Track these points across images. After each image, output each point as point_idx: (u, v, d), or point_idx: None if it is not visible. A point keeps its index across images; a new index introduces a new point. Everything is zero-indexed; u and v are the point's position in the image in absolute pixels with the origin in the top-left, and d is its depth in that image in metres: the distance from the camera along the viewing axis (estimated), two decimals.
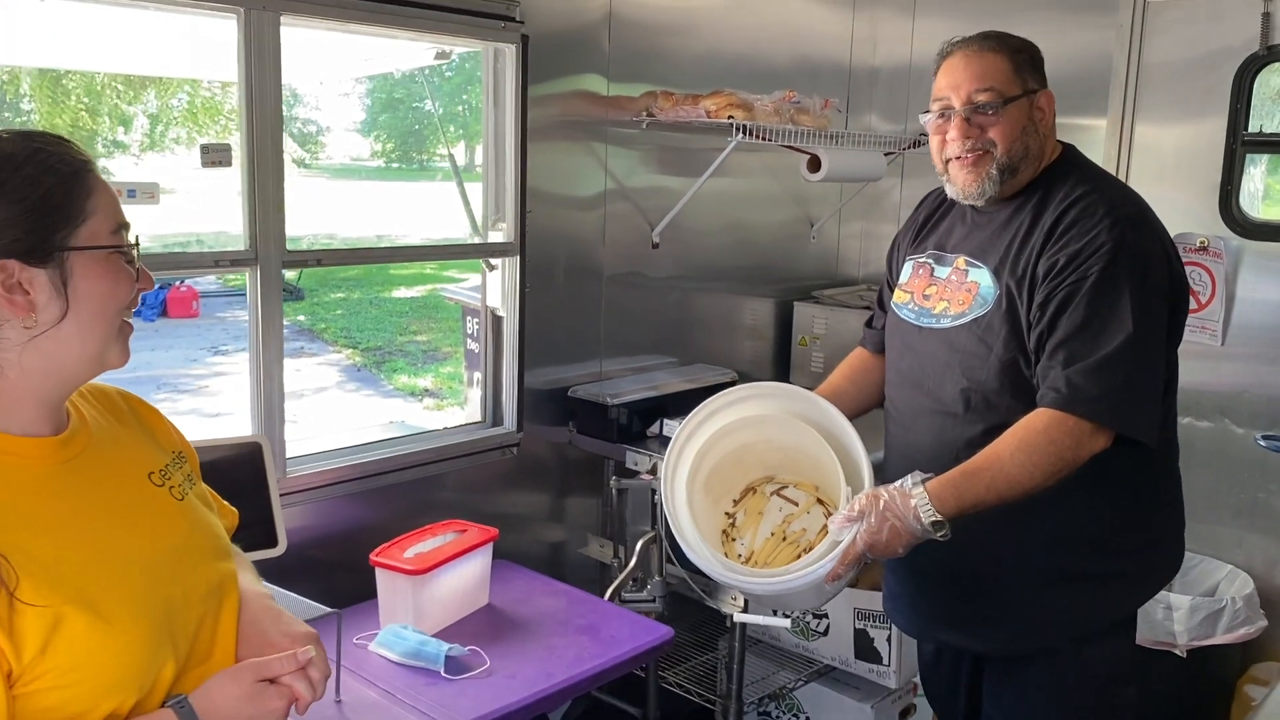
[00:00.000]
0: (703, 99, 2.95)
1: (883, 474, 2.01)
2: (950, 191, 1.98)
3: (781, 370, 3.71)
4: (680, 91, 3.04)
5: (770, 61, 3.42)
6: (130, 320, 1.16)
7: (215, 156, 2.11)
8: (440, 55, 2.72)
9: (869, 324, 2.30)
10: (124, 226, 1.14)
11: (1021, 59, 1.91)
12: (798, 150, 3.17)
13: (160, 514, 1.22)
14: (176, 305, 13.02)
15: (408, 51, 2.70)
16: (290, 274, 4.22)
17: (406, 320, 12.66)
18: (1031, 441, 1.74)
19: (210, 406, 9.36)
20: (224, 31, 2.19)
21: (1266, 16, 3.04)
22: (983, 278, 1.93)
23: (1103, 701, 2.00)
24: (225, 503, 1.45)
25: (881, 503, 1.73)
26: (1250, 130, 3.12)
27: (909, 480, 1.75)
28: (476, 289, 4.92)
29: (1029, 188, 1.94)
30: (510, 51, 2.66)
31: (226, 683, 1.16)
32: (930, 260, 2.05)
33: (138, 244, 1.16)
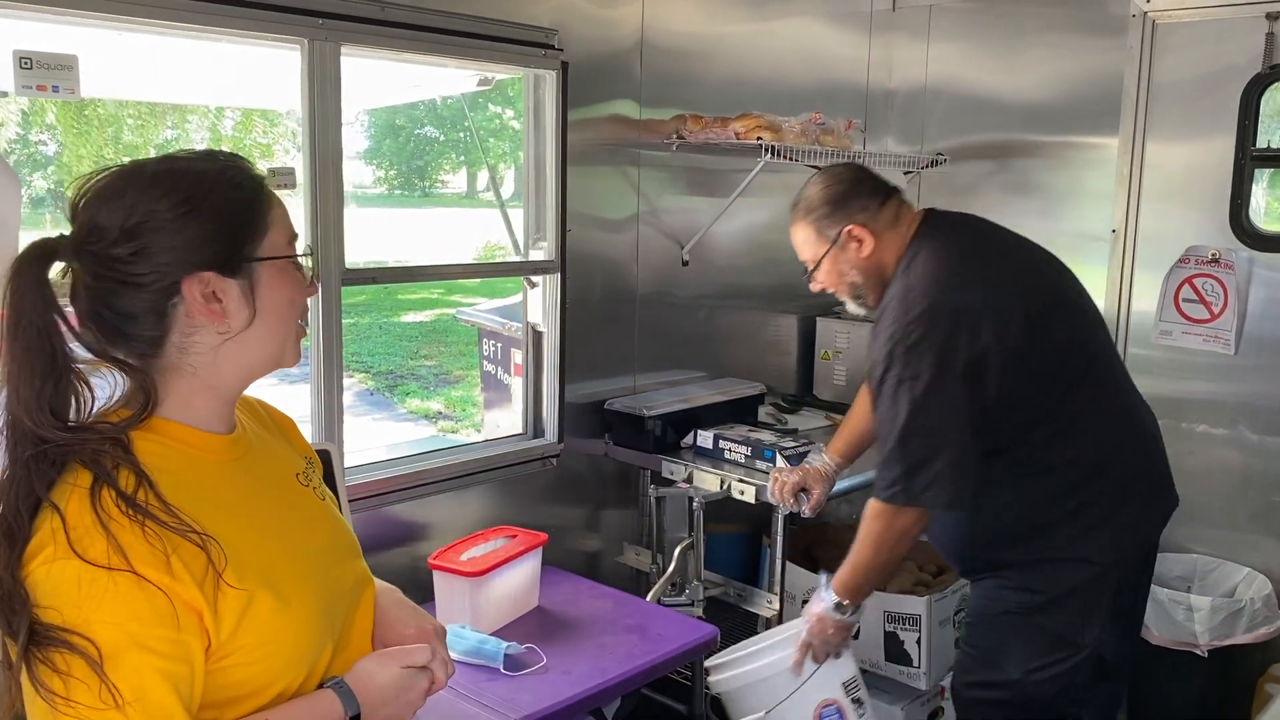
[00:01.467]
0: (731, 121, 3.07)
1: None
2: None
3: (806, 383, 3.81)
4: (708, 115, 3.16)
5: (792, 84, 3.55)
6: (305, 324, 1.25)
7: (280, 180, 2.22)
8: (483, 82, 2.84)
9: None
10: (295, 238, 1.22)
11: (818, 215, 2.25)
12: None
13: (311, 511, 1.30)
14: None
15: (451, 79, 2.82)
16: None
17: (416, 344, 12.75)
18: (865, 529, 2.18)
19: None
20: (265, 60, 2.29)
21: (1270, 37, 3.16)
22: None
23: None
24: None
25: (811, 609, 2.25)
26: (1258, 146, 3.23)
27: (821, 579, 2.27)
28: (493, 312, 5.03)
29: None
30: (551, 78, 2.78)
31: (376, 667, 1.24)
32: None
33: (310, 253, 1.25)
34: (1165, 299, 3.35)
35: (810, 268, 2.29)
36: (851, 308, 2.38)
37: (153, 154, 1.28)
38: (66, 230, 1.14)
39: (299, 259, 1.22)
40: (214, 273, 1.13)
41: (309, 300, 1.26)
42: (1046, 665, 2.20)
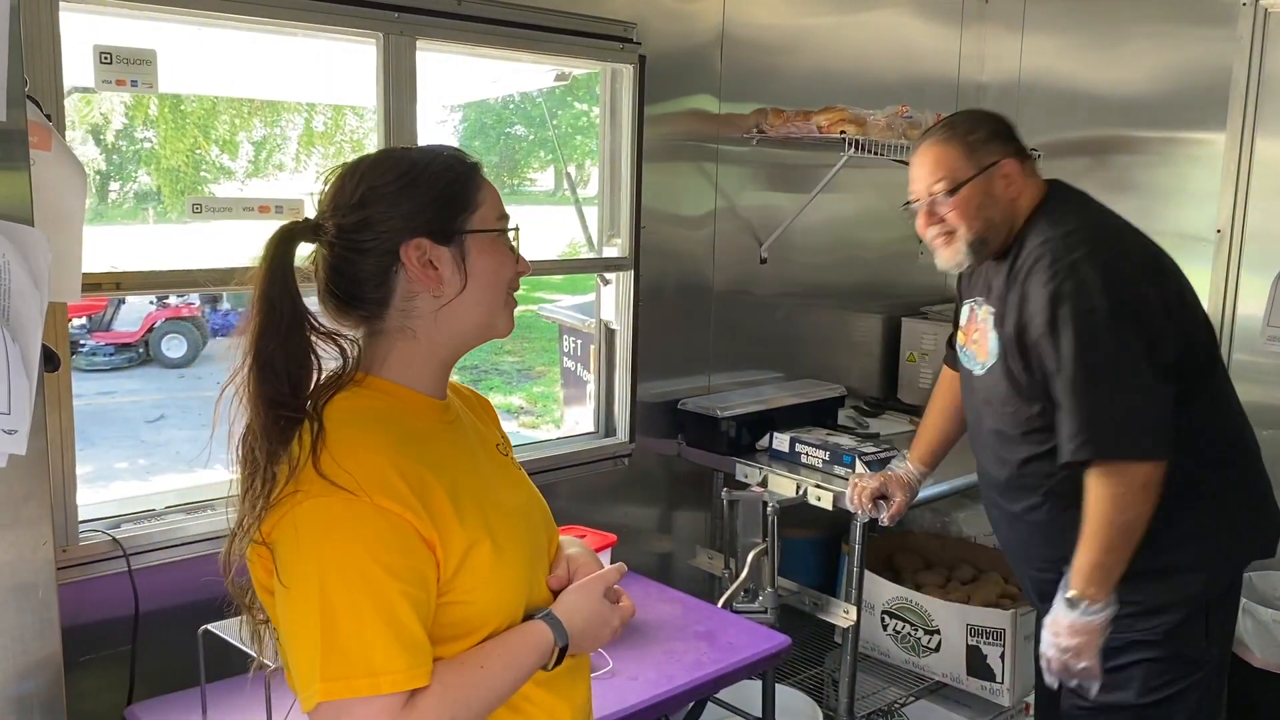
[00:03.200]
0: (814, 115, 2.99)
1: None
2: (939, 265, 2.19)
3: (889, 385, 3.70)
4: (790, 109, 3.08)
5: (879, 78, 3.45)
6: (514, 296, 1.33)
7: None
8: (560, 77, 2.81)
9: (950, 343, 2.45)
10: (505, 217, 1.31)
11: (976, 140, 2.09)
12: (908, 165, 3.17)
13: (512, 475, 1.40)
14: None
15: (530, 74, 2.80)
16: None
17: (500, 339, 12.87)
18: (1088, 501, 1.93)
19: None
20: (350, 56, 2.30)
21: None
22: (991, 328, 2.11)
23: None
24: None
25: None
26: None
27: (1059, 593, 1.99)
28: (574, 308, 5.03)
29: (1017, 240, 2.09)
30: (628, 72, 2.73)
31: (580, 597, 1.31)
32: (972, 303, 2.21)
33: (518, 230, 1.32)
34: (1274, 303, 3.17)
35: (944, 190, 2.07)
36: (951, 256, 2.13)
37: (248, 149, 1.37)
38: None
39: (508, 234, 1.31)
40: (429, 240, 1.24)
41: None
42: (1168, 684, 2.06)
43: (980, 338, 2.15)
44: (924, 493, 2.72)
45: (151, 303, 11.19)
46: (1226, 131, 3.27)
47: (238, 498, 1.18)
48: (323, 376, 1.24)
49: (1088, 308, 1.90)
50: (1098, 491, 1.92)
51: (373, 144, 2.43)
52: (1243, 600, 3.04)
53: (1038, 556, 2.16)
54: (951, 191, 2.06)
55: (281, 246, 1.22)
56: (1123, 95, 3.50)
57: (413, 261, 1.23)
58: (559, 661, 1.27)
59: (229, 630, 1.94)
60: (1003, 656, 2.87)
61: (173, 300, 11.44)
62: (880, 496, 2.52)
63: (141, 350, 11.80)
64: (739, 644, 2.31)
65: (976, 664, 2.92)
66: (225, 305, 13.80)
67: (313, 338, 1.22)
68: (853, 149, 2.89)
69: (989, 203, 2.07)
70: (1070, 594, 1.95)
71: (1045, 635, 2.01)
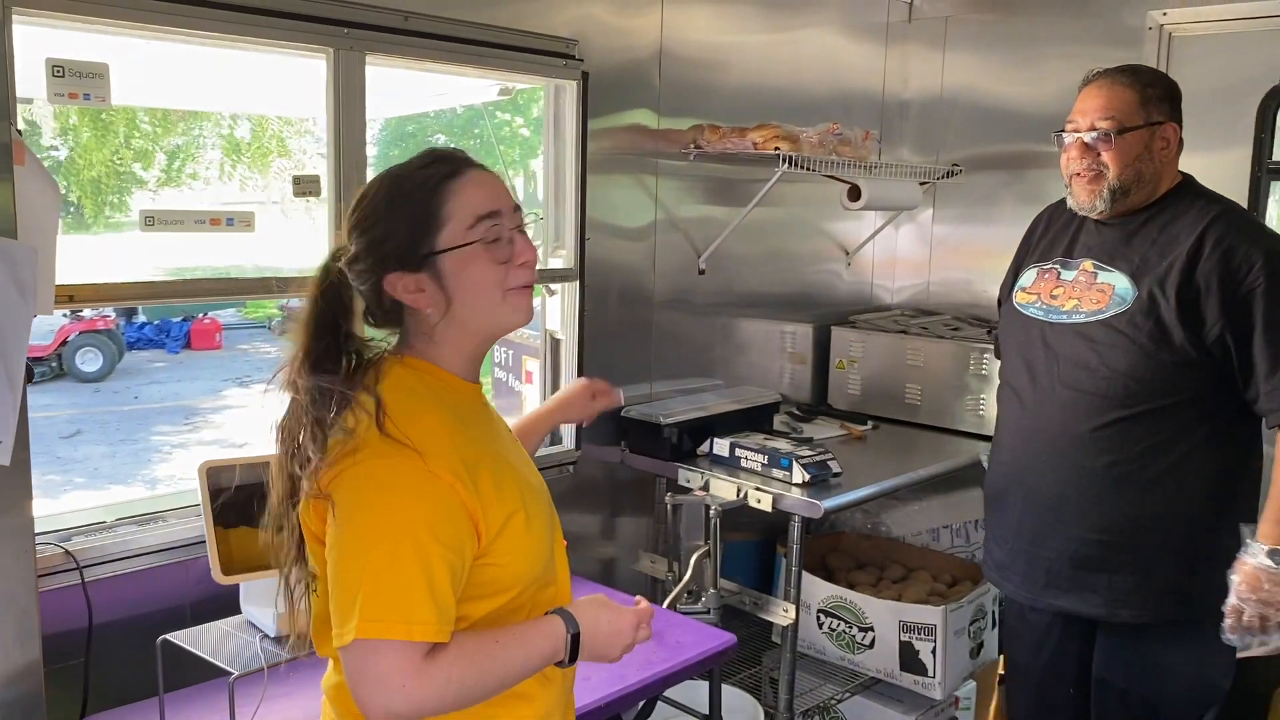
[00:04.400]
0: (749, 131, 3.09)
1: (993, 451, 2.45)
2: (1070, 203, 2.25)
3: (820, 392, 3.82)
4: (726, 124, 3.18)
5: (809, 94, 3.57)
6: (517, 285, 1.35)
7: (305, 187, 2.24)
8: (503, 91, 2.86)
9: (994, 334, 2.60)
10: (485, 216, 1.32)
11: (1152, 94, 2.17)
12: (839, 180, 3.30)
13: (528, 460, 1.50)
14: (200, 338, 13.21)
15: (473, 88, 2.84)
16: None
17: None
18: None
19: (239, 437, 9.50)
20: (280, 67, 2.31)
21: None
22: (1117, 280, 2.17)
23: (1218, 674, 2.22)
24: None
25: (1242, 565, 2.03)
26: (1274, 159, 3.24)
27: (1245, 540, 2.04)
28: None
29: (1156, 206, 2.19)
30: (571, 88, 2.80)
31: (599, 610, 1.39)
32: (1056, 265, 2.30)
33: (501, 221, 1.33)
34: None
35: (1111, 129, 2.12)
36: (1090, 197, 2.17)
37: (162, 159, 1.42)
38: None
39: (491, 238, 1.32)
40: (399, 272, 1.30)
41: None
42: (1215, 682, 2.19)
43: (1081, 290, 2.22)
44: (856, 494, 2.85)
45: (65, 315, 10.91)
46: None
47: (276, 472, 1.29)
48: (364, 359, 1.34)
49: None
50: None
51: (300, 151, 2.47)
52: None
53: (1096, 515, 2.18)
54: (1119, 133, 2.12)
55: (320, 279, 1.33)
56: (1039, 112, 3.65)
57: (398, 291, 1.30)
58: (573, 659, 1.34)
59: (188, 640, 1.95)
60: (934, 651, 2.98)
61: (87, 313, 11.15)
62: None
63: (55, 364, 11.47)
64: (686, 643, 2.38)
65: (909, 659, 3.03)
66: (141, 318, 13.48)
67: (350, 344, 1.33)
68: (787, 164, 2.99)
69: (1146, 156, 2.15)
70: (1268, 546, 2.00)
71: (1239, 590, 2.01)
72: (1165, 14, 3.36)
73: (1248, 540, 2.05)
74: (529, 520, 1.34)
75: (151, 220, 2.09)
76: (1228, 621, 2.02)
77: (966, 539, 3.58)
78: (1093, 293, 2.21)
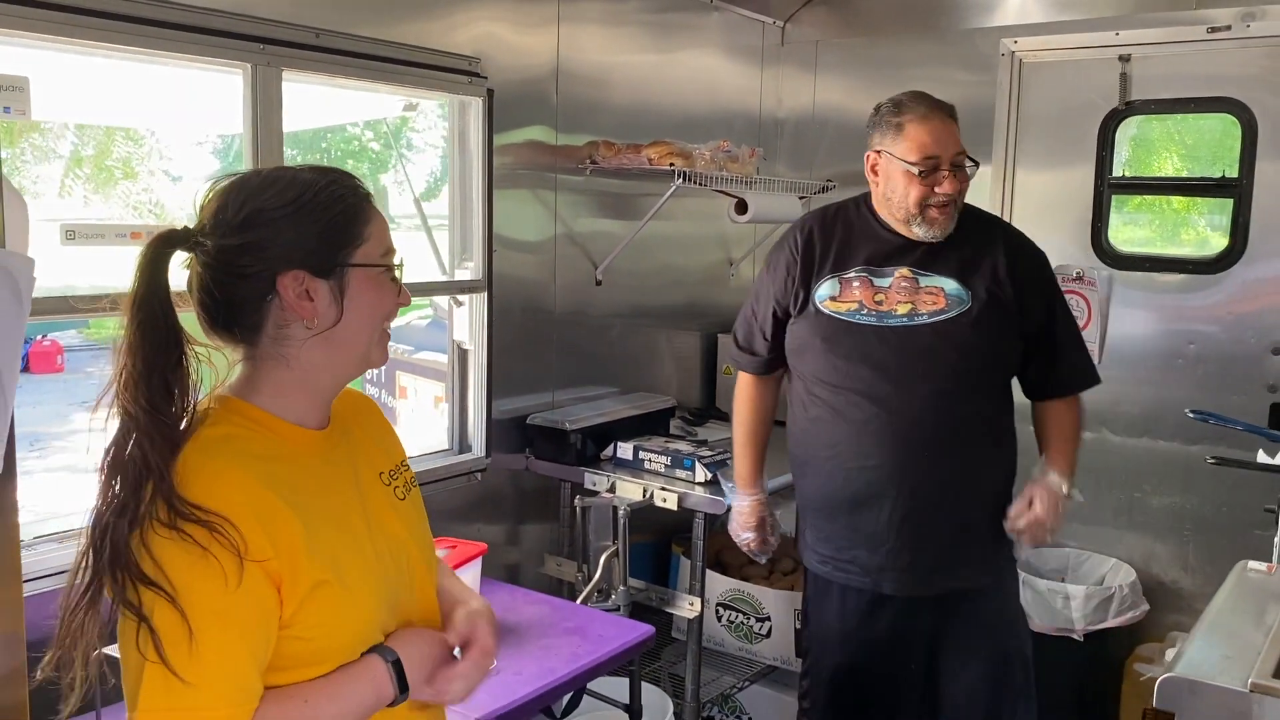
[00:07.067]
0: (645, 148, 3.22)
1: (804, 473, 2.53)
2: (921, 233, 2.34)
3: (709, 396, 3.98)
4: (619, 141, 3.30)
5: (692, 113, 3.73)
6: (389, 329, 1.34)
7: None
8: (408, 107, 2.91)
9: (750, 351, 2.57)
10: (391, 251, 1.32)
11: None
12: (727, 194, 3.47)
13: (389, 510, 1.39)
14: (39, 360, 12.54)
15: (378, 104, 2.89)
16: None
17: None
18: (1079, 420, 2.47)
19: (90, 463, 9.08)
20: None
21: (1124, 76, 3.51)
22: (944, 283, 2.35)
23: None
24: None
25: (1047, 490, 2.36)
26: (1115, 175, 3.58)
27: (1049, 477, 2.37)
28: None
29: None
30: (476, 104, 2.88)
31: (424, 642, 1.33)
32: (864, 274, 2.38)
33: (402, 265, 1.33)
34: None
35: (969, 163, 2.33)
36: (947, 224, 2.33)
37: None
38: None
39: (391, 271, 1.31)
40: (308, 272, 1.24)
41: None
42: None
43: (907, 294, 2.34)
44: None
45: None
46: (992, 164, 3.72)
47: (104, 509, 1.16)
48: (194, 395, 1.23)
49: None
50: (1078, 407, 2.46)
51: (148, 171, 2.46)
52: (1021, 574, 3.48)
53: (971, 495, 2.39)
54: (972, 166, 2.34)
55: (158, 254, 1.21)
56: None
57: (289, 291, 1.22)
58: (404, 688, 1.27)
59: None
60: None
61: None
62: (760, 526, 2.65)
63: None
64: (608, 635, 2.48)
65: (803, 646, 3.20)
66: None
67: (188, 349, 1.21)
68: (681, 180, 3.14)
69: None
70: (1064, 480, 2.35)
71: (1045, 506, 2.32)
72: (1016, 42, 3.67)
73: (1049, 471, 2.38)
74: (347, 590, 1.24)
75: (72, 234, 2.07)
76: (1026, 533, 2.34)
77: None
78: (924, 296, 2.34)
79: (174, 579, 1.12)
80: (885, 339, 2.33)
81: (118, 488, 1.16)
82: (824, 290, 2.40)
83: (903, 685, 2.48)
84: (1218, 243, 3.48)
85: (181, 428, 1.19)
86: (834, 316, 2.38)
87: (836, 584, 2.45)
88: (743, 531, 2.65)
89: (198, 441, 1.19)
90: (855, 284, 2.38)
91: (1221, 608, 1.87)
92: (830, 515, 2.45)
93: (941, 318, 2.33)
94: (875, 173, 2.38)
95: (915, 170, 2.28)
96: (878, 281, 2.37)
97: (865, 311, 2.36)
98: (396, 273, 1.32)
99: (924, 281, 2.35)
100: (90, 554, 1.15)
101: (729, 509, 2.88)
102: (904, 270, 2.36)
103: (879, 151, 2.35)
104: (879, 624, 2.44)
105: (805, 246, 2.45)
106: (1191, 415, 2.78)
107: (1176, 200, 3.74)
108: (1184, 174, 3.70)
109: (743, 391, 2.63)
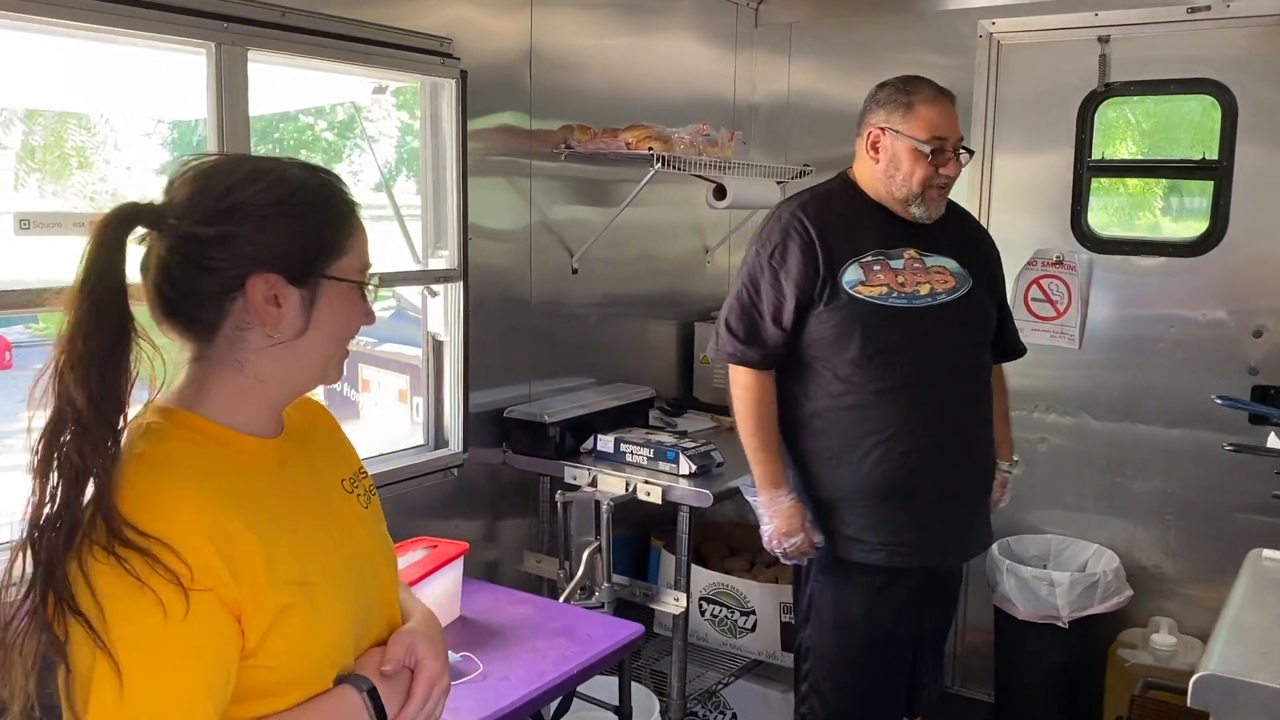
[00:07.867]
0: (622, 132, 3.13)
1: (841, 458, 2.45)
2: (919, 213, 2.38)
3: (686, 386, 3.91)
4: (595, 125, 3.21)
5: (667, 97, 3.65)
6: (349, 349, 1.26)
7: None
8: (378, 90, 2.80)
9: (760, 345, 2.42)
10: (368, 267, 1.23)
11: None
12: (706, 180, 3.39)
13: (354, 518, 1.30)
14: None
15: (347, 86, 2.78)
16: None
17: None
18: (1007, 386, 2.75)
19: None
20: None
21: (1103, 58, 3.47)
22: (946, 262, 2.41)
23: None
24: None
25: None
26: (1094, 157, 3.54)
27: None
28: None
29: None
30: (450, 86, 2.77)
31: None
32: (881, 256, 2.37)
33: (377, 284, 1.25)
34: (1015, 299, 3.61)
35: (965, 153, 2.40)
36: (941, 205, 2.42)
37: None
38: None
39: (366, 289, 1.23)
40: (281, 277, 1.15)
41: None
42: None
43: (921, 275, 2.38)
44: (731, 482, 2.92)
45: None
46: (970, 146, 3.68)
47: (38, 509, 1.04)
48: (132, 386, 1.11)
49: None
50: (1004, 379, 2.69)
51: (103, 160, 2.39)
52: (1005, 561, 3.45)
53: (986, 464, 2.56)
54: (970, 154, 2.42)
55: (116, 229, 1.10)
56: None
57: (257, 294, 1.13)
58: (383, 716, 1.20)
59: None
60: None
61: None
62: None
63: None
64: (597, 635, 2.41)
65: (790, 639, 3.14)
66: None
67: (137, 341, 1.10)
68: (660, 164, 3.06)
69: None
70: (1005, 461, 2.67)
71: (998, 492, 2.64)
72: (994, 24, 3.62)
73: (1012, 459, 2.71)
74: (316, 613, 1.15)
75: (27, 223, 1.96)
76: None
77: None
78: (934, 275, 2.40)
79: (106, 612, 1.01)
80: (921, 319, 2.37)
81: (51, 492, 1.04)
82: (850, 276, 2.37)
83: (908, 659, 2.58)
84: (1192, 228, 3.46)
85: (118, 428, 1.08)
86: (870, 301, 2.35)
87: (863, 571, 2.43)
88: (789, 535, 2.42)
89: (144, 460, 1.09)
90: (876, 267, 2.37)
91: (1244, 601, 1.81)
92: (879, 501, 2.38)
93: (957, 295, 2.41)
94: (876, 150, 2.34)
95: (925, 149, 2.29)
96: (893, 264, 2.38)
97: (895, 295, 2.37)
98: (369, 293, 1.24)
99: (929, 261, 2.41)
100: (29, 564, 1.04)
101: (713, 500, 2.82)
102: (911, 251, 2.40)
103: (884, 129, 2.32)
104: (897, 601, 2.48)
105: (820, 232, 2.38)
106: (1219, 401, 2.86)
107: (1132, 182, 3.74)
108: (1148, 154, 3.70)
109: (750, 389, 2.45)
